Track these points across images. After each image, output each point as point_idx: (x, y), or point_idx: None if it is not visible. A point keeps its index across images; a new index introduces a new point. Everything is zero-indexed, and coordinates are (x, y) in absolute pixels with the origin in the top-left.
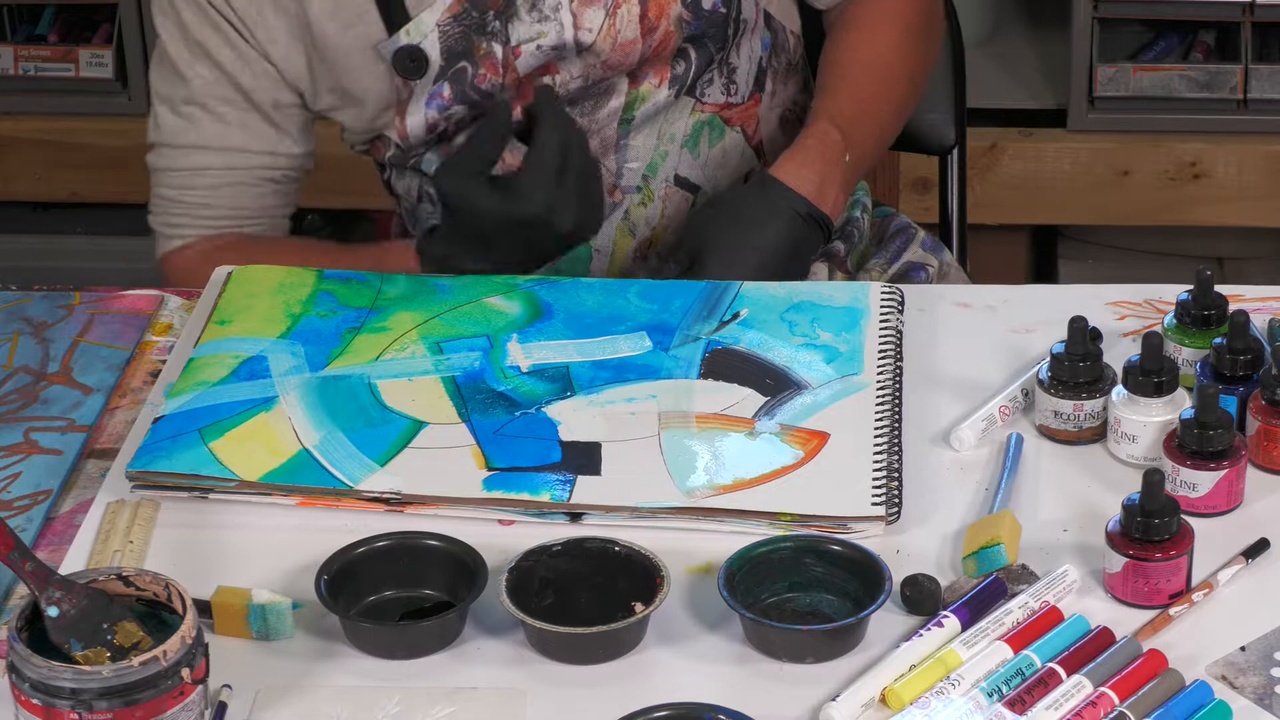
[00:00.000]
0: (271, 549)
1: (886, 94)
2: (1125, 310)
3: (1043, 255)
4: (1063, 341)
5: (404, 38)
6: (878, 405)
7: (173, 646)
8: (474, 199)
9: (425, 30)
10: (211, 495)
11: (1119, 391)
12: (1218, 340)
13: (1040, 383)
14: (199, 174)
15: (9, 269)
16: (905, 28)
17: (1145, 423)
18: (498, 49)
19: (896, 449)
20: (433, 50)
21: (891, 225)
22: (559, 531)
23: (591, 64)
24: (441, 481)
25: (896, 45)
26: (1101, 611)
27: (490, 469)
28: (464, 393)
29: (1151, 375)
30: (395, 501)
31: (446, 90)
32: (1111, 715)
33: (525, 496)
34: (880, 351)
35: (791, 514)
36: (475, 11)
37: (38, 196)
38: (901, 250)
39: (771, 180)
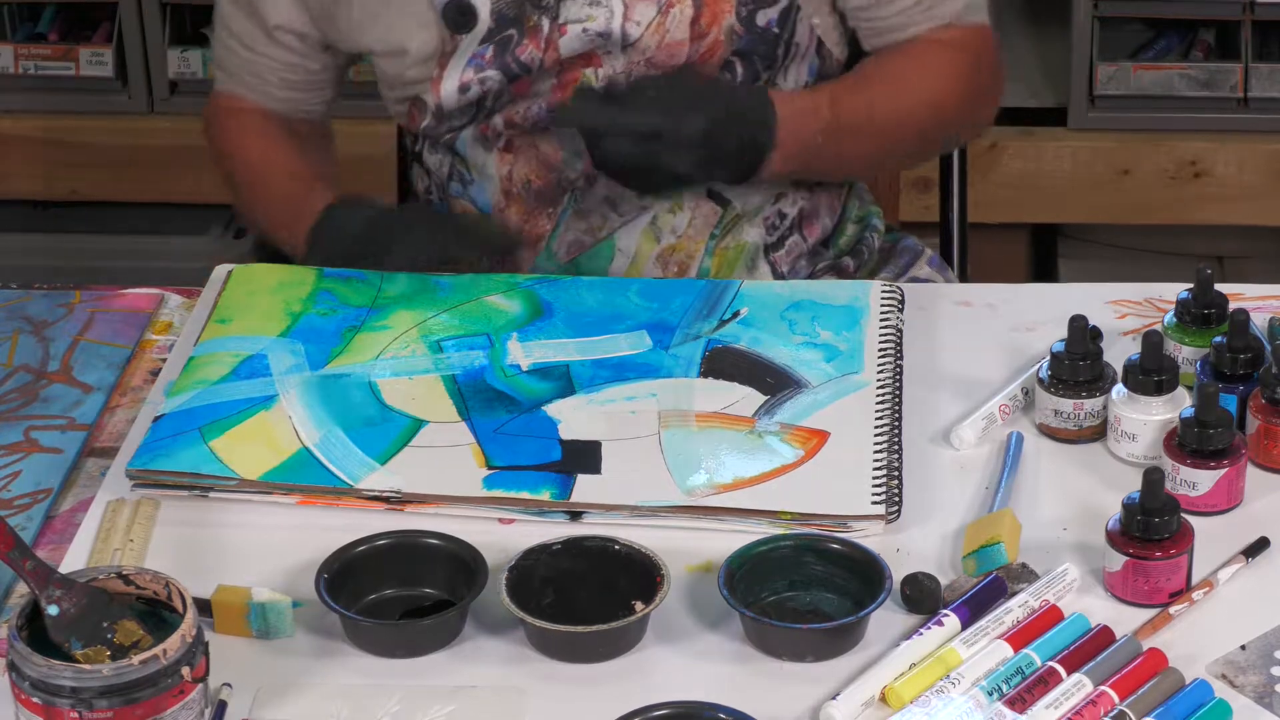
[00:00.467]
0: (272, 548)
1: (900, 123)
2: (1125, 309)
3: (1043, 254)
4: (1063, 340)
5: None
6: (878, 404)
7: (173, 645)
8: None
9: None
10: (212, 494)
11: (1119, 390)
12: (1218, 339)
13: (1040, 381)
14: (231, 51)
15: (9, 267)
16: (956, 78)
17: (1145, 421)
18: (545, 24)
19: (896, 447)
20: (484, 8)
21: (900, 245)
22: (559, 530)
23: (635, 61)
24: (441, 480)
25: (939, 90)
26: (1101, 610)
27: (490, 467)
28: (464, 391)
29: (1152, 374)
30: (395, 500)
31: (489, 53)
32: (1112, 714)
33: (525, 495)
34: (880, 350)
35: (791, 513)
36: None
37: (38, 195)
38: (908, 266)
39: (762, 94)
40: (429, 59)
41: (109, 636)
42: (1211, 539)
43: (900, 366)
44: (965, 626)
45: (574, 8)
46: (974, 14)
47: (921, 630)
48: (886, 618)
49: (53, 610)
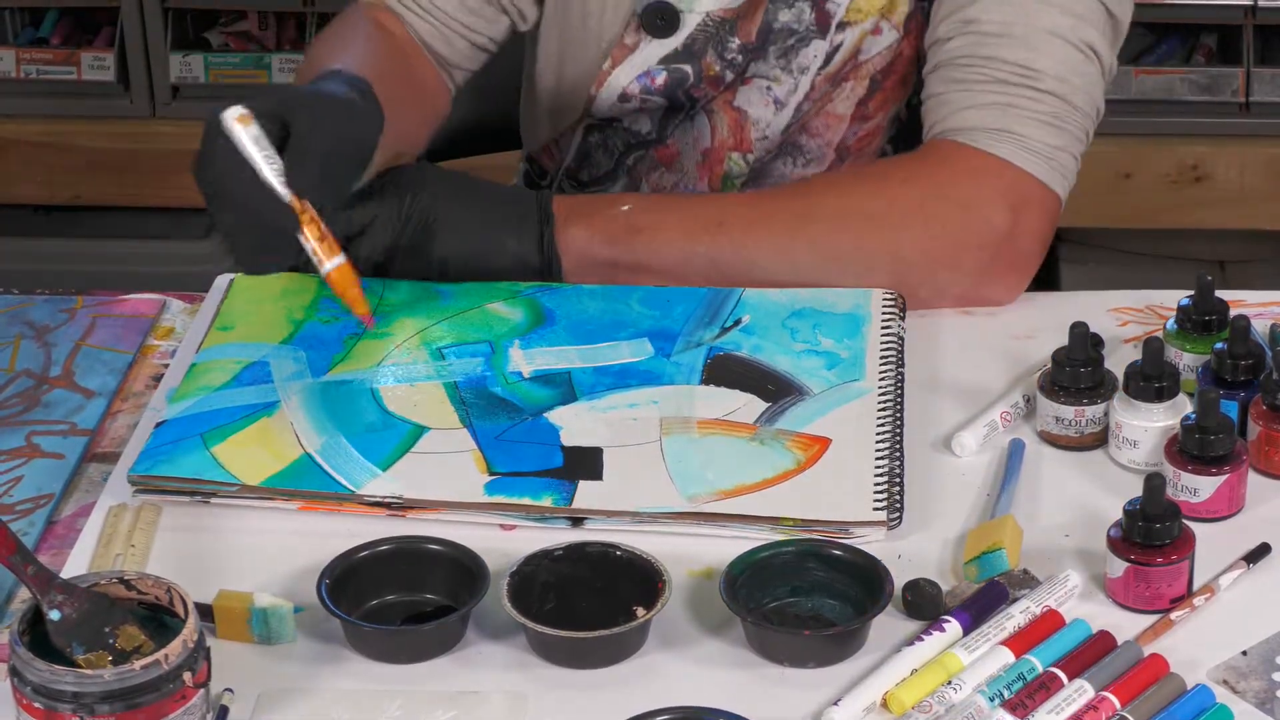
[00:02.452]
0: (273, 553)
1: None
2: (1126, 316)
3: (1044, 259)
4: (1064, 347)
5: None
6: (879, 411)
7: (174, 650)
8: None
9: (695, 5)
10: (213, 499)
11: (1120, 397)
12: (1219, 345)
13: (1041, 388)
14: None
15: (11, 272)
16: (887, 218)
17: (1146, 428)
18: (729, 75)
19: (898, 454)
20: (687, 26)
21: None
22: (560, 536)
23: (794, 130)
24: (443, 486)
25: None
26: (1103, 616)
27: (492, 474)
28: (466, 398)
29: (1153, 380)
30: (397, 506)
31: (662, 78)
32: (1113, 719)
33: (527, 501)
34: (882, 357)
35: (793, 519)
36: (728, 32)
37: (40, 199)
38: None
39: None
40: (603, 58)
41: (111, 641)
42: (1213, 545)
43: (902, 374)
44: (966, 632)
45: (763, 66)
46: (1018, 156)
47: (923, 636)
48: (888, 623)
49: (54, 615)
